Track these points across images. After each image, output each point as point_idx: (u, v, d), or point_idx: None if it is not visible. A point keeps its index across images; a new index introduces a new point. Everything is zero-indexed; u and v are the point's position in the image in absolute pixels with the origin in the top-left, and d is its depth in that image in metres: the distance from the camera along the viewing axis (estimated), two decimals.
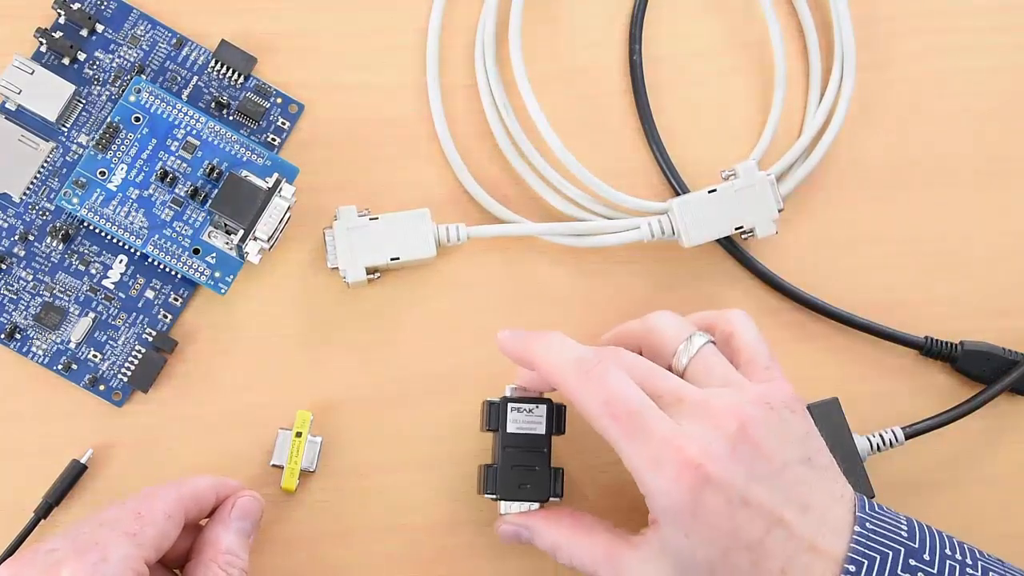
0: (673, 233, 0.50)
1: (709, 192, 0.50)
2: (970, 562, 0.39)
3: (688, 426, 0.40)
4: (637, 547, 0.41)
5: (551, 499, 0.47)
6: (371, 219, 0.49)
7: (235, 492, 0.45)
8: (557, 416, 0.47)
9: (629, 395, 0.40)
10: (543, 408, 0.47)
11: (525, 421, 0.47)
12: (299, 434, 0.47)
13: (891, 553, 0.38)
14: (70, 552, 0.38)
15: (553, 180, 0.51)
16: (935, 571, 0.38)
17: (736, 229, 0.50)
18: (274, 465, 0.47)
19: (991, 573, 0.39)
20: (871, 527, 0.39)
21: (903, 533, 0.39)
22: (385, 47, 0.52)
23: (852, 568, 0.38)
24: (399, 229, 0.49)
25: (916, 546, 0.39)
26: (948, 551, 0.39)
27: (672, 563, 0.40)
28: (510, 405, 0.47)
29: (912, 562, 0.38)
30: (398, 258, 0.49)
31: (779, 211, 0.50)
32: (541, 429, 0.47)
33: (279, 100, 0.51)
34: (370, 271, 0.49)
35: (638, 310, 0.51)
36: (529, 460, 0.47)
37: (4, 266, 0.48)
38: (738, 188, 0.50)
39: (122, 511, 0.41)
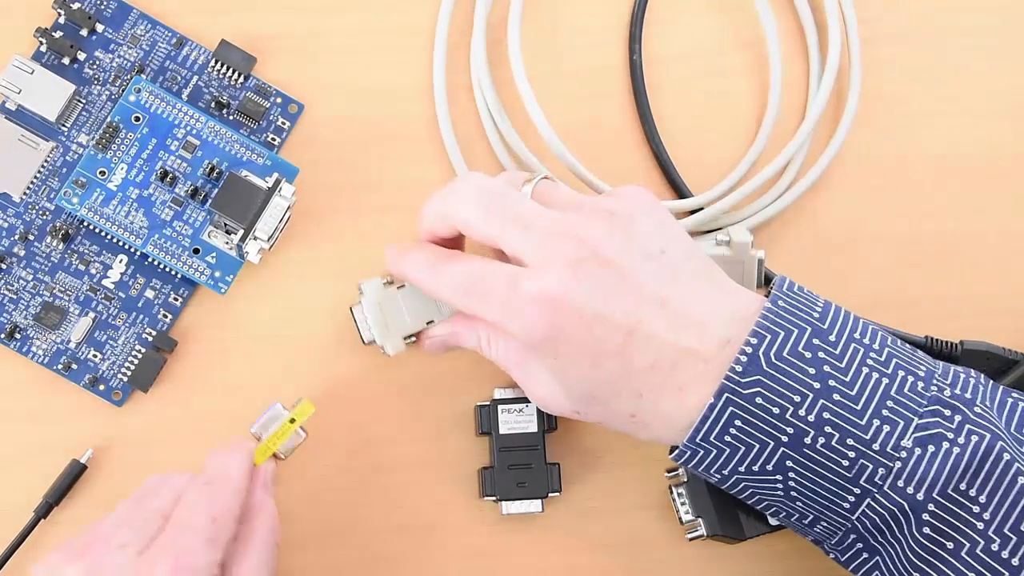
0: None
1: None
2: (876, 347, 0.40)
3: (531, 260, 0.40)
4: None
5: (551, 494, 0.47)
6: (398, 288, 0.47)
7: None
8: (548, 413, 0.47)
9: (466, 270, 0.42)
10: (533, 406, 0.47)
11: (516, 421, 0.48)
12: (293, 420, 0.45)
13: (796, 331, 0.39)
14: (156, 552, 0.38)
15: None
16: (837, 352, 0.39)
17: None
18: (253, 432, 0.45)
19: (895, 360, 0.40)
20: (783, 304, 0.40)
21: (815, 313, 0.40)
22: (385, 47, 0.52)
23: (754, 340, 0.39)
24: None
25: (825, 326, 0.40)
26: (857, 335, 0.40)
27: (555, 378, 0.42)
28: (500, 407, 0.48)
29: (816, 341, 0.39)
30: (433, 321, 0.47)
31: (757, 287, 0.49)
32: (533, 427, 0.48)
33: (279, 100, 0.51)
34: (406, 337, 0.47)
35: None
36: (524, 459, 0.47)
37: (4, 266, 0.48)
38: (726, 261, 0.48)
39: (196, 514, 0.39)
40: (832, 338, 0.40)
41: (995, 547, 0.38)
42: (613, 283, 0.40)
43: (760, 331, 0.39)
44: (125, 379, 0.48)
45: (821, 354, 0.39)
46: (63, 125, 0.49)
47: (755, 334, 0.39)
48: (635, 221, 0.41)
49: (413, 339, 0.48)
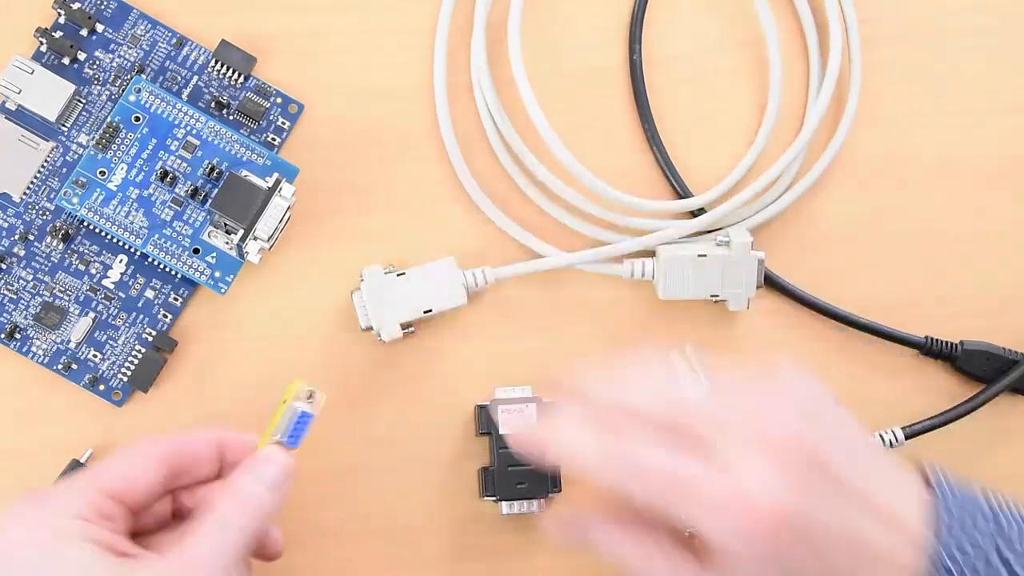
0: (653, 277, 0.50)
1: (699, 256, 0.50)
2: None
3: (740, 463, 0.37)
4: None
5: (551, 494, 0.47)
6: (398, 275, 0.49)
7: (246, 449, 0.42)
8: None
9: (658, 466, 0.38)
10: (533, 407, 0.48)
11: (516, 421, 0.48)
12: (285, 402, 0.43)
13: (981, 539, 0.37)
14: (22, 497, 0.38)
15: (550, 183, 0.51)
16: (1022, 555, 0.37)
17: (711, 296, 0.50)
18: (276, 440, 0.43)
19: None
20: (956, 512, 0.38)
21: (988, 511, 0.38)
22: (385, 47, 0.52)
23: (945, 558, 0.37)
24: (427, 281, 0.49)
25: (1006, 530, 0.38)
26: None
27: None
28: (500, 407, 0.48)
29: (1005, 551, 0.37)
30: (431, 310, 0.49)
31: (756, 288, 0.50)
32: (533, 428, 0.47)
33: (279, 100, 0.51)
34: (404, 326, 0.49)
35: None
36: (524, 459, 0.47)
37: (4, 266, 0.48)
38: (726, 262, 0.49)
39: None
40: (1014, 542, 0.38)
41: None
42: (831, 491, 0.37)
43: (954, 552, 0.37)
44: (125, 379, 0.48)
45: (1012, 564, 0.37)
46: (63, 125, 0.49)
47: (952, 557, 0.37)
48: (838, 419, 0.39)
49: (411, 329, 0.48)
